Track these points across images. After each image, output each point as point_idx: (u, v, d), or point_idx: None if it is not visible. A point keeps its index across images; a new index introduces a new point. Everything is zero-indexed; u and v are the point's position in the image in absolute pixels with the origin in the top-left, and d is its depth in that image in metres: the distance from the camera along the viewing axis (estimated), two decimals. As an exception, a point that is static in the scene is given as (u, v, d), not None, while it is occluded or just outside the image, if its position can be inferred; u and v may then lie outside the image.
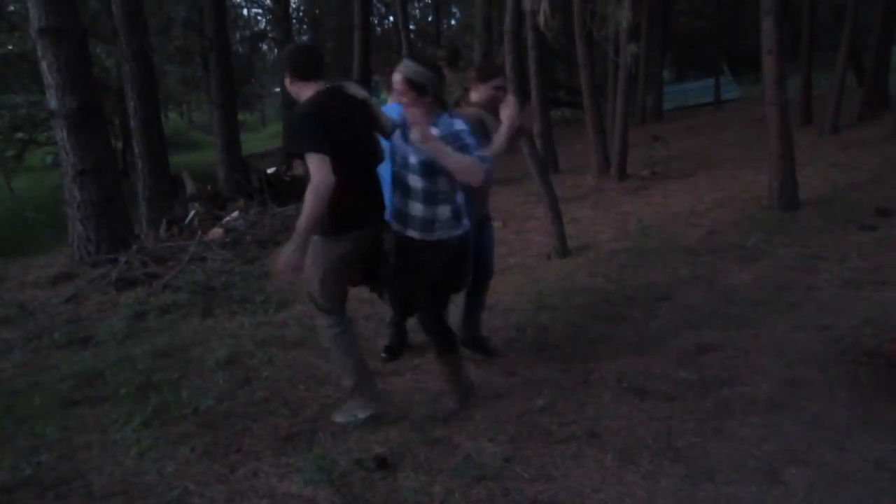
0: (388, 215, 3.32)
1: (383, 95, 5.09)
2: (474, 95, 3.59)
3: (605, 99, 13.51)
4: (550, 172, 8.28)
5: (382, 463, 2.98)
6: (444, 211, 3.14)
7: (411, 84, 2.98)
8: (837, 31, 13.68)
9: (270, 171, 11.55)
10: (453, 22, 33.21)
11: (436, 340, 3.37)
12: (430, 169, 3.05)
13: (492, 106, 3.60)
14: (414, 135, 2.96)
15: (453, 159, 2.94)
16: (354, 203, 3.07)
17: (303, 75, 3.08)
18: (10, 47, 15.16)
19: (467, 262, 3.47)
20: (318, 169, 2.84)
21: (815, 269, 5.17)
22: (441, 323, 3.35)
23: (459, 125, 3.07)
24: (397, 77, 3.01)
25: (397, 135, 3.22)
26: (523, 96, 6.84)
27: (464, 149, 3.00)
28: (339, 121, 2.99)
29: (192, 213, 8.75)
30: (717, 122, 16.44)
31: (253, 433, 3.41)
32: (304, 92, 3.08)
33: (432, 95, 3.02)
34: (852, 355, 3.69)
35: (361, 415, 3.36)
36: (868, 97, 12.73)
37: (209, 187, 10.05)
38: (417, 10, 32.51)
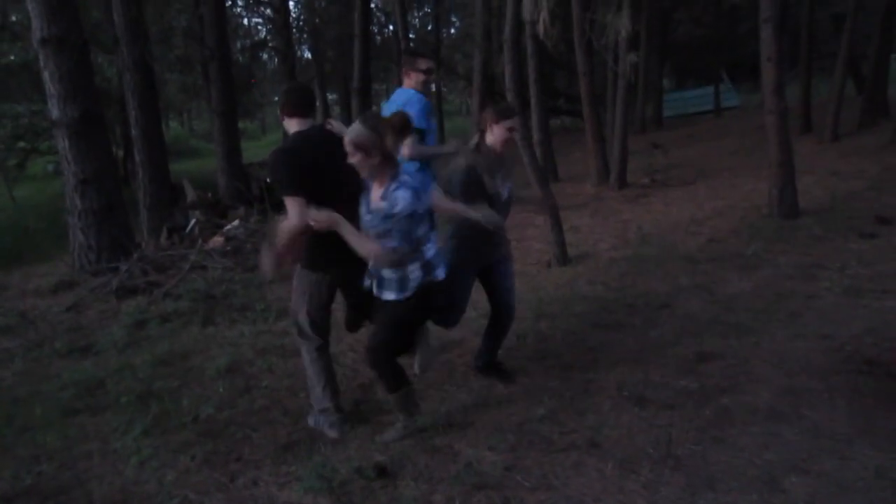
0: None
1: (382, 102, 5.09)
2: (489, 137, 3.60)
3: (604, 107, 13.55)
4: (550, 181, 8.30)
5: (382, 471, 2.99)
6: (413, 269, 3.10)
7: (356, 147, 2.95)
8: (836, 40, 13.73)
9: (270, 178, 11.55)
10: (453, 31, 33.32)
11: (385, 378, 3.29)
12: (385, 236, 3.03)
13: (505, 146, 3.65)
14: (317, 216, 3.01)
15: (354, 239, 3.00)
16: (332, 240, 3.10)
17: (290, 112, 3.28)
18: (12, 57, 15.24)
19: (438, 303, 3.42)
20: (292, 210, 3.03)
21: (815, 278, 5.17)
22: (391, 362, 3.26)
23: (402, 200, 2.96)
24: (346, 140, 3.00)
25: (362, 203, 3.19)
26: (523, 104, 6.85)
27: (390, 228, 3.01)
28: (316, 160, 3.14)
29: (192, 221, 8.76)
30: (716, 131, 16.48)
31: (253, 442, 3.41)
32: (290, 127, 3.30)
33: (380, 156, 2.99)
34: (853, 364, 3.69)
35: (328, 433, 3.42)
36: (867, 105, 12.76)
37: (210, 195, 10.06)
38: (417, 20, 32.59)
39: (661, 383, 3.67)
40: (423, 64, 4.07)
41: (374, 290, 3.20)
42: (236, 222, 8.69)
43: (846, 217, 6.75)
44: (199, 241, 7.93)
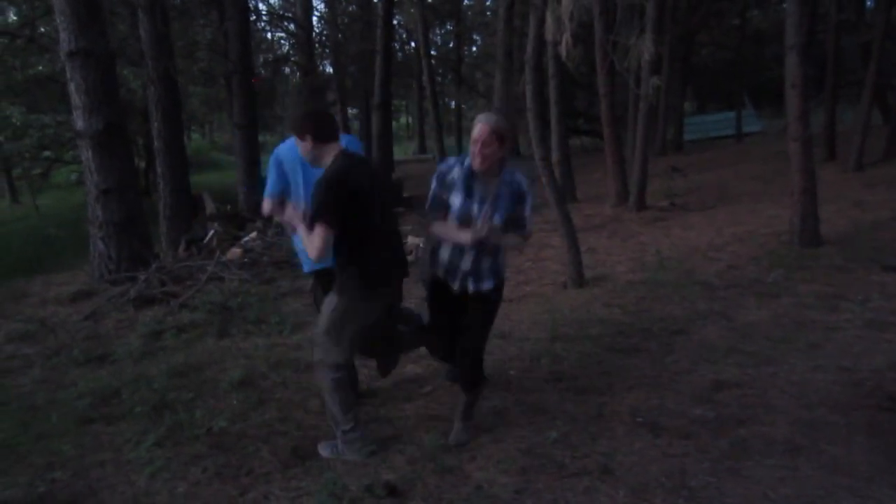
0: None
1: None
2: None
3: (625, 129, 13.54)
4: (568, 201, 8.29)
5: (393, 490, 2.97)
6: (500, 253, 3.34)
7: (498, 134, 3.11)
8: (863, 68, 13.62)
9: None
10: (474, 49, 33.53)
11: (480, 388, 3.55)
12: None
13: None
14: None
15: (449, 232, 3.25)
16: (378, 262, 3.21)
17: (323, 138, 3.18)
18: (39, 68, 15.51)
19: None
20: (318, 238, 3.04)
21: (836, 309, 5.10)
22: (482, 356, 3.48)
23: (524, 178, 3.30)
24: (485, 128, 3.08)
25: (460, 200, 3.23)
26: (543, 124, 6.88)
27: None
28: (363, 183, 3.16)
29: (211, 232, 8.83)
30: (737, 155, 16.37)
31: (264, 456, 3.40)
32: (325, 152, 3.21)
33: (506, 148, 3.18)
34: (874, 399, 3.62)
35: (347, 457, 3.34)
36: (894, 135, 12.61)
37: (228, 207, 10.16)
38: (439, 37, 32.82)
39: (677, 411, 3.63)
40: (332, 96, 3.92)
41: (471, 288, 3.28)
42: (254, 234, 8.76)
43: (869, 248, 6.65)
44: (217, 252, 7.99)
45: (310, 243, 3.02)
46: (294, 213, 3.21)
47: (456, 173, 3.22)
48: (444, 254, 3.27)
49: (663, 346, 4.61)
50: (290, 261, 7.80)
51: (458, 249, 3.22)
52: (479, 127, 3.09)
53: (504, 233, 3.21)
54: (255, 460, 3.36)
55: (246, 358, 4.87)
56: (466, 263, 3.23)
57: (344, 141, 3.36)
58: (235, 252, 7.99)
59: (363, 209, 3.10)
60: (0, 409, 4.21)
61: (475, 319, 3.34)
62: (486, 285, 3.29)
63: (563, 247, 6.46)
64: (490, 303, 3.37)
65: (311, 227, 3.02)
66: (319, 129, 3.16)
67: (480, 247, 3.19)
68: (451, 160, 3.30)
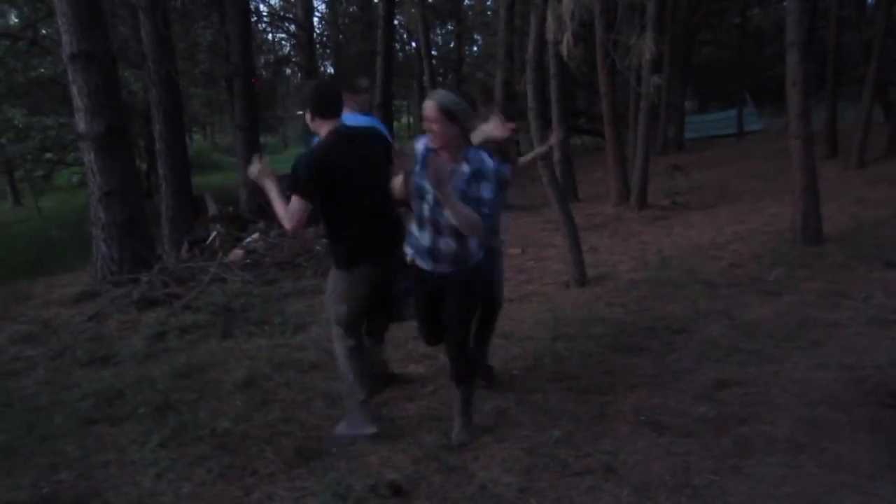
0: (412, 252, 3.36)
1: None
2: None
3: (626, 128, 13.54)
4: (570, 200, 8.29)
5: (397, 490, 2.98)
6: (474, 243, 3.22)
7: (448, 114, 2.98)
8: (864, 65, 13.63)
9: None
10: (475, 48, 33.54)
11: (458, 367, 3.40)
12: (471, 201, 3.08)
13: None
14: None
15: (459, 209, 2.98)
16: (369, 235, 3.34)
17: (320, 113, 3.34)
18: (41, 70, 15.54)
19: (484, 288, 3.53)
20: (292, 209, 3.23)
21: (838, 306, 5.09)
22: (466, 349, 3.40)
23: (486, 156, 3.13)
24: (433, 105, 2.99)
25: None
26: (545, 123, 6.89)
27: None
28: (344, 163, 3.28)
29: (213, 234, 8.84)
30: (739, 154, 16.38)
31: (268, 456, 3.41)
32: (320, 128, 3.37)
33: (464, 128, 3.06)
34: (876, 396, 3.61)
35: (365, 431, 3.43)
36: (895, 132, 12.61)
37: (230, 209, 10.17)
38: (440, 37, 32.83)
39: (679, 410, 3.63)
40: (364, 83, 4.10)
41: (433, 268, 3.23)
42: (256, 235, 8.77)
43: (871, 245, 6.64)
44: (220, 253, 7.99)
45: (285, 213, 3.19)
46: (264, 172, 3.35)
47: (419, 148, 3.18)
48: (413, 231, 3.27)
49: (665, 345, 4.61)
50: (291, 261, 7.82)
51: (420, 227, 3.20)
52: (427, 104, 3.02)
53: None
54: (259, 461, 3.37)
55: (249, 359, 4.87)
56: (426, 240, 3.18)
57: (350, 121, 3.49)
58: (238, 253, 8.00)
59: (342, 187, 3.21)
60: (4, 410, 4.22)
61: (448, 309, 3.30)
62: (444, 268, 3.21)
63: (565, 246, 6.46)
64: (458, 290, 3.25)
65: (288, 198, 3.19)
66: (318, 104, 3.31)
67: (435, 224, 3.12)
68: (424, 137, 3.22)
